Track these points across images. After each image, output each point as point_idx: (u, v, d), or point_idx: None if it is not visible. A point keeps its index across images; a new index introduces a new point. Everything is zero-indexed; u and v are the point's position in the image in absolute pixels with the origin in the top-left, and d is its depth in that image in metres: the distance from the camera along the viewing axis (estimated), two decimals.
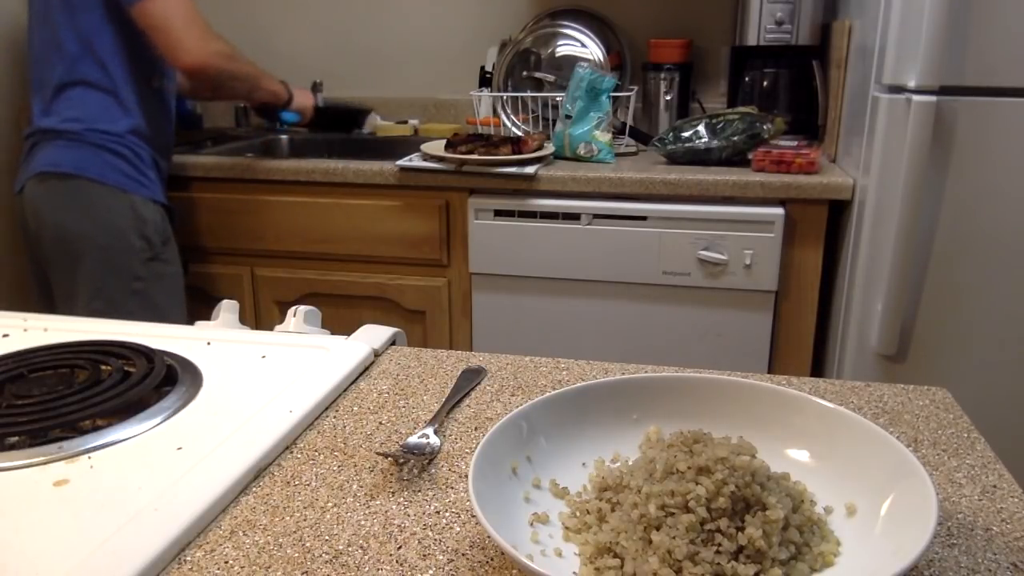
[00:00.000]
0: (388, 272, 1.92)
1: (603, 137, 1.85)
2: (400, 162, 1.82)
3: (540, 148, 1.85)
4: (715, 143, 1.79)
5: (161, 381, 0.74)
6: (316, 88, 2.36)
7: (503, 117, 2.12)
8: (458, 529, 0.56)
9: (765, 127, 1.78)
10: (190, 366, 0.78)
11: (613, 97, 1.88)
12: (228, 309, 0.94)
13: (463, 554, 0.53)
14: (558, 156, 1.90)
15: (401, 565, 0.52)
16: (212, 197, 1.96)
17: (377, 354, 0.85)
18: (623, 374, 0.80)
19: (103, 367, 0.75)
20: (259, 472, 0.63)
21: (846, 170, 1.72)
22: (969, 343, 1.55)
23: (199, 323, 0.93)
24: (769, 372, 1.78)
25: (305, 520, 0.57)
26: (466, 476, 0.62)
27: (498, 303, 1.86)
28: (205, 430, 0.67)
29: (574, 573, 0.51)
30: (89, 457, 0.63)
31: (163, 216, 1.79)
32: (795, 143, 1.81)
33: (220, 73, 1.72)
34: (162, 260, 1.78)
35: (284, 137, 2.38)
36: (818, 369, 1.82)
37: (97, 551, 0.51)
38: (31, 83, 1.76)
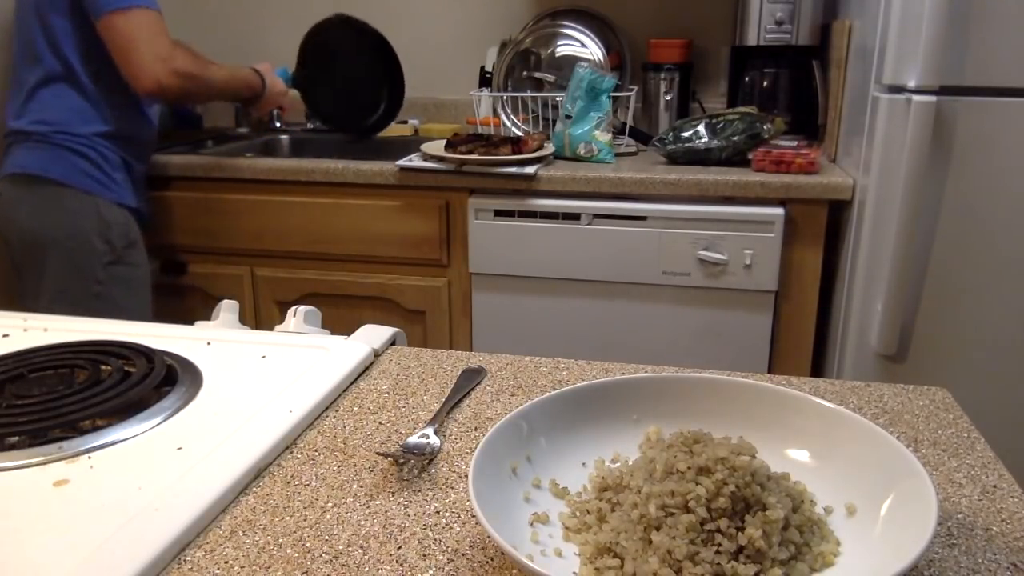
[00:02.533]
0: (388, 272, 1.92)
1: (603, 137, 1.85)
2: (400, 162, 1.82)
3: (540, 148, 1.85)
4: (715, 143, 1.79)
5: (161, 381, 0.74)
6: None
7: (503, 117, 2.12)
8: (458, 529, 0.56)
9: (765, 127, 1.78)
10: (190, 366, 0.78)
11: (613, 97, 1.87)
12: (228, 309, 0.94)
13: (463, 554, 0.53)
14: (558, 156, 1.90)
15: (401, 565, 0.52)
16: (212, 197, 1.96)
17: (377, 354, 0.85)
18: (623, 374, 0.80)
19: (103, 367, 0.75)
20: (259, 472, 0.63)
21: (846, 170, 1.72)
22: (969, 343, 1.55)
23: (199, 323, 0.93)
24: (769, 372, 1.78)
25: (305, 520, 0.57)
26: (466, 476, 0.62)
27: (498, 303, 1.86)
28: (205, 430, 0.67)
29: (574, 573, 0.51)
30: (89, 457, 0.63)
31: (128, 219, 1.77)
32: (795, 143, 1.81)
33: (179, 92, 1.69)
34: (125, 263, 1.75)
35: (284, 137, 2.38)
36: (818, 369, 1.82)
37: (97, 551, 0.51)
38: (10, 85, 1.76)
